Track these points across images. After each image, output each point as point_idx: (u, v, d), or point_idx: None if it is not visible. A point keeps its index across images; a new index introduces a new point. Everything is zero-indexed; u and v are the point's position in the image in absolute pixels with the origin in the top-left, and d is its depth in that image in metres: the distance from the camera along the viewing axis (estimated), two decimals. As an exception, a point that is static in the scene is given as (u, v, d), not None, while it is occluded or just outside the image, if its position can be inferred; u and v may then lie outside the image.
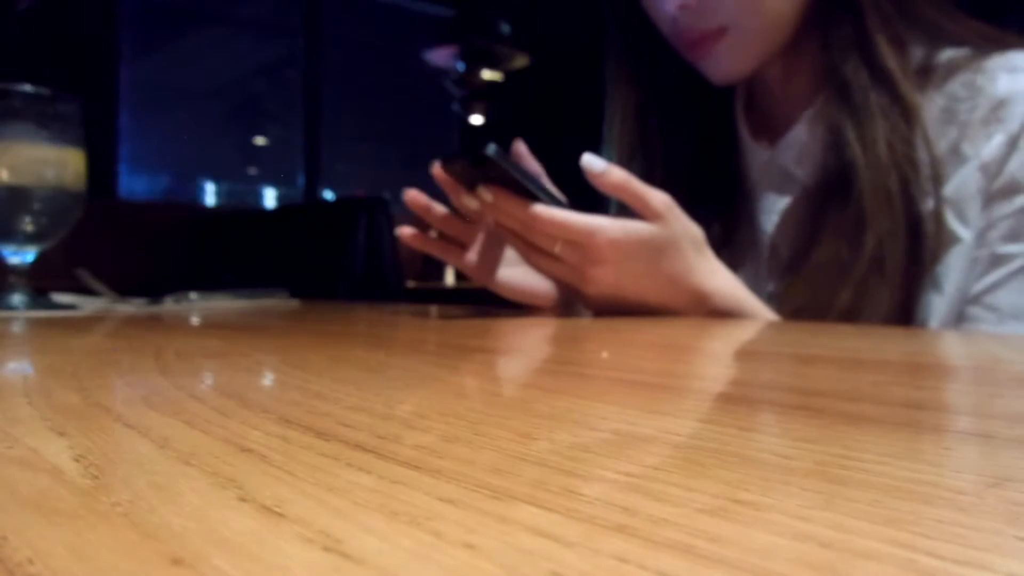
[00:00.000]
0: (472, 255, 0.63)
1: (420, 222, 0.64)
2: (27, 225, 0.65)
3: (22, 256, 0.65)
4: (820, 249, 0.59)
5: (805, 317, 0.58)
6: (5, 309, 0.62)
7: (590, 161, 0.53)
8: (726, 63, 0.63)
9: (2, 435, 0.15)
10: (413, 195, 0.62)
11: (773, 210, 0.67)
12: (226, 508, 0.11)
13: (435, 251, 0.64)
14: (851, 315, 0.56)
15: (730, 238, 0.68)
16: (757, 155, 0.69)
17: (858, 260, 0.56)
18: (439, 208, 0.63)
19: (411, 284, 2.71)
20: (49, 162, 0.65)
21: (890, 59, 0.58)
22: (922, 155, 0.57)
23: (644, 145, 0.71)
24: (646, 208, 0.53)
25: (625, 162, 0.71)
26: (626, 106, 0.72)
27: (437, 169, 0.56)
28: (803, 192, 0.64)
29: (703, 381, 0.27)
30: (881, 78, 0.58)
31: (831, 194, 0.60)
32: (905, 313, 0.57)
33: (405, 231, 0.63)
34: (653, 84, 0.71)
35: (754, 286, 0.61)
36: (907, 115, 0.57)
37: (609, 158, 0.72)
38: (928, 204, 0.57)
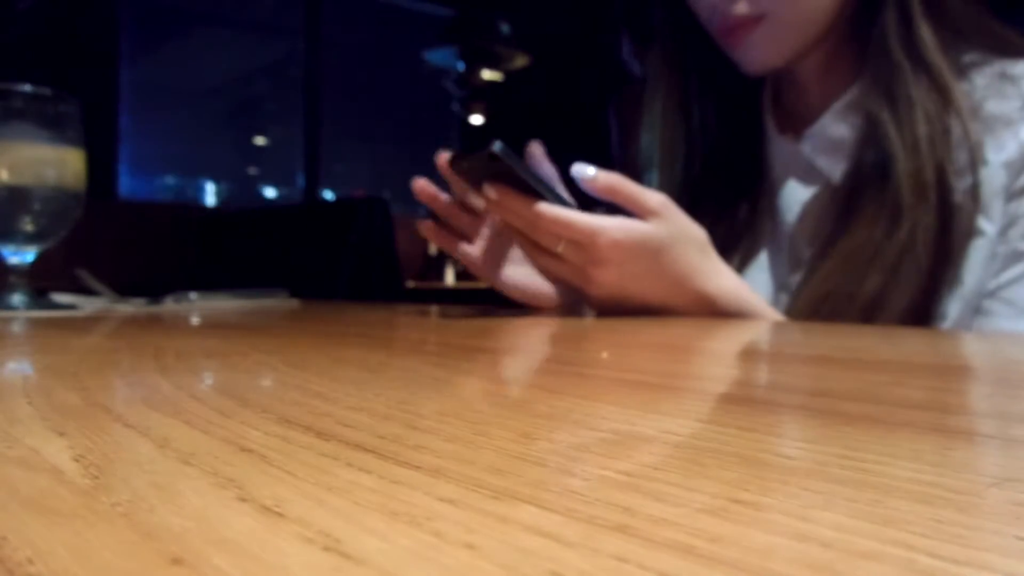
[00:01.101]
0: (475, 249, 0.63)
1: (432, 217, 0.64)
2: (27, 225, 0.65)
3: (22, 256, 0.65)
4: (850, 237, 0.59)
5: (832, 304, 0.58)
6: (5, 309, 0.62)
7: (580, 168, 0.53)
8: (761, 52, 0.63)
9: (2, 435, 0.15)
10: (421, 184, 0.62)
11: (795, 202, 0.67)
12: (226, 508, 0.11)
13: (443, 244, 0.64)
14: (878, 301, 0.57)
15: (751, 228, 0.69)
16: (782, 148, 0.69)
17: (891, 244, 0.57)
18: (446, 198, 0.63)
19: (411, 284, 2.71)
20: (49, 162, 0.65)
21: (933, 51, 0.59)
22: (959, 143, 0.58)
23: (687, 134, 0.72)
24: (642, 208, 0.53)
25: (667, 149, 0.72)
26: (669, 95, 0.72)
27: (442, 160, 0.56)
28: (826, 185, 0.65)
29: (703, 381, 0.27)
30: (924, 69, 0.59)
31: (866, 184, 0.60)
32: (929, 301, 0.57)
33: (424, 224, 0.63)
34: (695, 75, 0.72)
35: (772, 277, 0.61)
36: (946, 105, 0.58)
37: (650, 146, 0.73)
38: (962, 193, 0.57)
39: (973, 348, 0.42)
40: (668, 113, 0.72)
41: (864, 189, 0.60)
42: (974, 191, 0.57)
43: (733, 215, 0.68)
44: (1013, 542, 0.10)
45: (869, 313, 0.57)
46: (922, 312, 0.57)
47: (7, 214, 0.64)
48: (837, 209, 0.62)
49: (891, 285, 0.56)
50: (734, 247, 0.66)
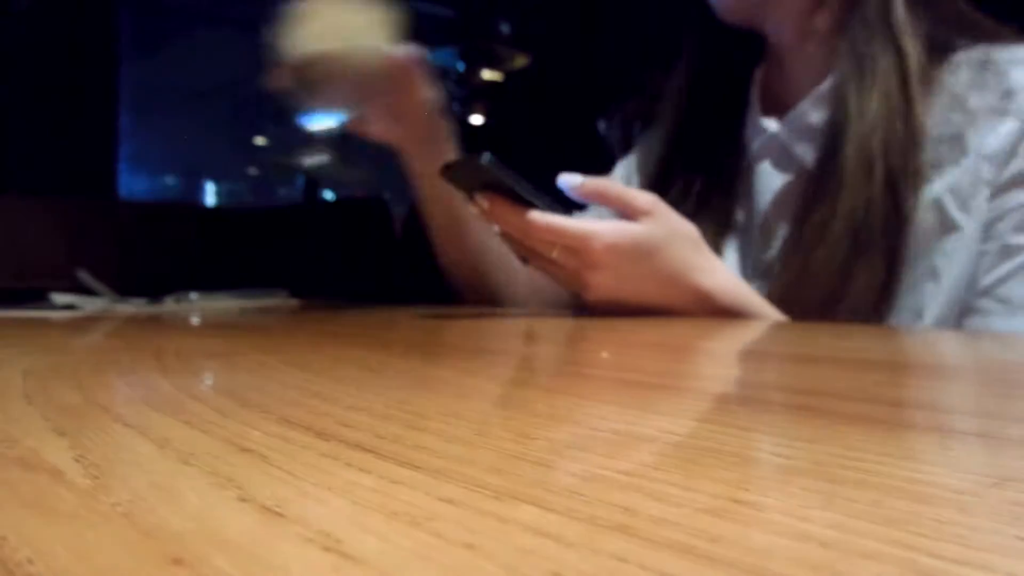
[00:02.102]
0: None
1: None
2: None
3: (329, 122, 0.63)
4: (809, 222, 0.59)
5: (795, 291, 0.58)
6: (6, 309, 0.62)
7: (565, 178, 0.53)
8: None
9: (2, 435, 0.15)
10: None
11: (769, 187, 0.67)
12: (226, 508, 0.11)
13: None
14: (842, 282, 0.56)
15: (725, 209, 0.68)
16: (760, 130, 0.69)
17: (842, 221, 0.56)
18: None
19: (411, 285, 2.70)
20: (359, 27, 0.62)
21: (905, 33, 0.59)
22: (913, 127, 0.57)
23: (688, 122, 0.72)
24: (632, 209, 0.53)
25: (671, 138, 0.72)
26: (679, 85, 0.73)
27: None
28: (802, 170, 0.65)
29: (703, 381, 0.27)
30: (892, 41, 0.59)
31: (825, 162, 0.60)
32: (894, 284, 0.56)
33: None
34: (702, 63, 0.72)
35: (742, 260, 0.61)
36: (906, 80, 0.58)
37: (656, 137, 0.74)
38: (909, 174, 0.57)
39: (972, 348, 0.42)
40: (676, 104, 0.73)
41: (827, 169, 0.60)
42: (936, 185, 0.57)
43: (707, 193, 0.68)
44: (1013, 542, 0.10)
45: (836, 294, 0.56)
46: (889, 298, 0.56)
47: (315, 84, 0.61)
48: (806, 193, 0.62)
49: (850, 262, 0.56)
50: (704, 228, 0.66)
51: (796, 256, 0.59)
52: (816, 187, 0.60)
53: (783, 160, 0.67)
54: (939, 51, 0.61)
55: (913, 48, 0.59)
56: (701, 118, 0.72)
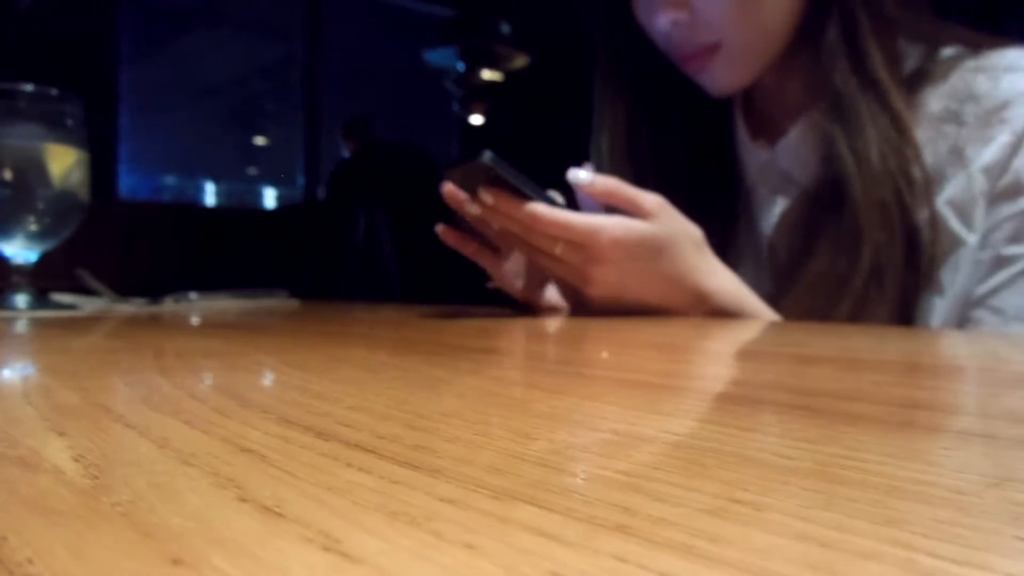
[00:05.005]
0: (507, 262, 0.61)
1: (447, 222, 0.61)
2: (31, 225, 0.65)
3: (26, 256, 0.65)
4: (816, 259, 0.59)
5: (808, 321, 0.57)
6: (6, 309, 0.62)
7: (576, 174, 0.53)
8: (722, 77, 0.63)
9: (2, 435, 0.15)
10: (451, 188, 0.58)
11: (771, 211, 0.67)
12: (226, 508, 0.11)
13: (468, 252, 0.61)
14: (855, 321, 0.56)
15: (729, 239, 0.68)
16: (755, 156, 0.69)
17: (856, 273, 0.56)
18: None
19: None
20: (53, 162, 0.65)
21: (880, 68, 0.58)
22: (914, 166, 0.57)
23: (635, 154, 0.71)
24: (640, 210, 0.53)
25: (617, 171, 0.71)
26: (616, 117, 0.72)
27: (448, 188, 0.55)
28: (801, 195, 0.64)
29: (703, 381, 0.27)
30: (871, 86, 0.58)
31: (825, 205, 0.59)
32: (906, 319, 0.57)
33: (444, 229, 0.60)
34: (644, 93, 0.71)
35: (753, 286, 0.60)
36: (897, 124, 0.57)
37: (599, 167, 0.72)
38: (923, 213, 0.56)
39: (972, 348, 0.42)
40: (618, 137, 0.71)
41: (825, 211, 0.59)
42: (941, 204, 0.56)
43: (710, 225, 0.68)
44: (1012, 542, 0.10)
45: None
46: (903, 322, 0.56)
47: (11, 214, 0.64)
48: (804, 228, 0.61)
49: (861, 312, 0.55)
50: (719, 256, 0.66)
51: (813, 298, 0.58)
52: (816, 227, 0.59)
53: (783, 185, 0.66)
54: (924, 65, 0.60)
55: (894, 82, 0.58)
56: (683, 134, 0.71)
